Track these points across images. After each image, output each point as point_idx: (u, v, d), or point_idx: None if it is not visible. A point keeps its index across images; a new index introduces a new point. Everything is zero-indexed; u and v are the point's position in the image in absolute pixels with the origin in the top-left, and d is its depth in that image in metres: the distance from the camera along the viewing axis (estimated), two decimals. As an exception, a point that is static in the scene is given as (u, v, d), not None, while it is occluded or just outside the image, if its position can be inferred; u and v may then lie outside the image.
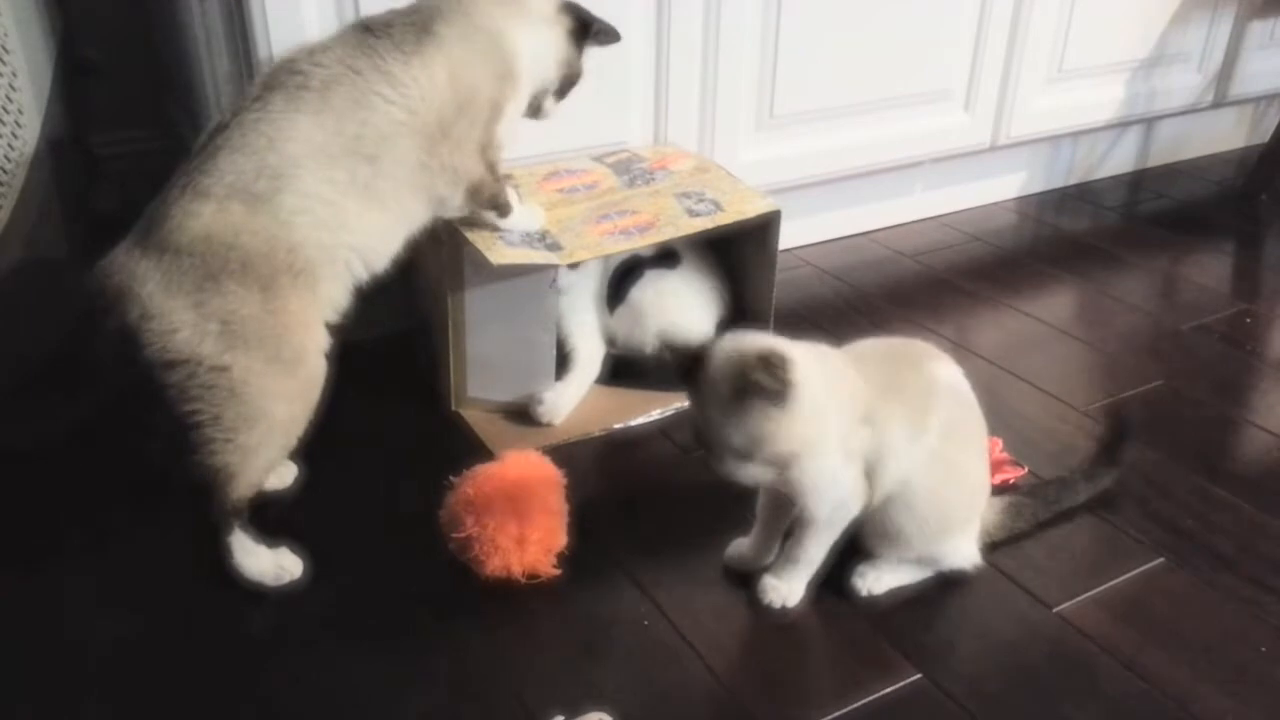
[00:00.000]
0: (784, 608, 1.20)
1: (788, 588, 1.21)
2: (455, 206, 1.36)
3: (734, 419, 1.07)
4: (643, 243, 1.48)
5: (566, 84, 1.44)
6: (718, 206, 1.53)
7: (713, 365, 1.09)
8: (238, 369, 1.15)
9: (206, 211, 1.14)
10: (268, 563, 1.23)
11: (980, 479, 1.26)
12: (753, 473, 1.11)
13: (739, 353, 1.08)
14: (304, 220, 1.18)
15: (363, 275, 1.27)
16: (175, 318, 1.13)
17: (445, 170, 1.31)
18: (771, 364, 1.05)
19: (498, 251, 1.38)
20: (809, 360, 1.10)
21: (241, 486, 1.20)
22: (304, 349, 1.21)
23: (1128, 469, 1.47)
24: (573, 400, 1.56)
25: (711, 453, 1.11)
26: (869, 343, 1.24)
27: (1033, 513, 1.33)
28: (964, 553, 1.25)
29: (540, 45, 1.39)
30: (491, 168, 1.37)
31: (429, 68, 1.26)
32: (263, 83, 1.22)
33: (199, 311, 1.13)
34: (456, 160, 1.31)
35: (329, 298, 1.24)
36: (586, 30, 1.42)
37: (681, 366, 1.12)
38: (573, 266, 1.51)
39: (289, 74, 1.21)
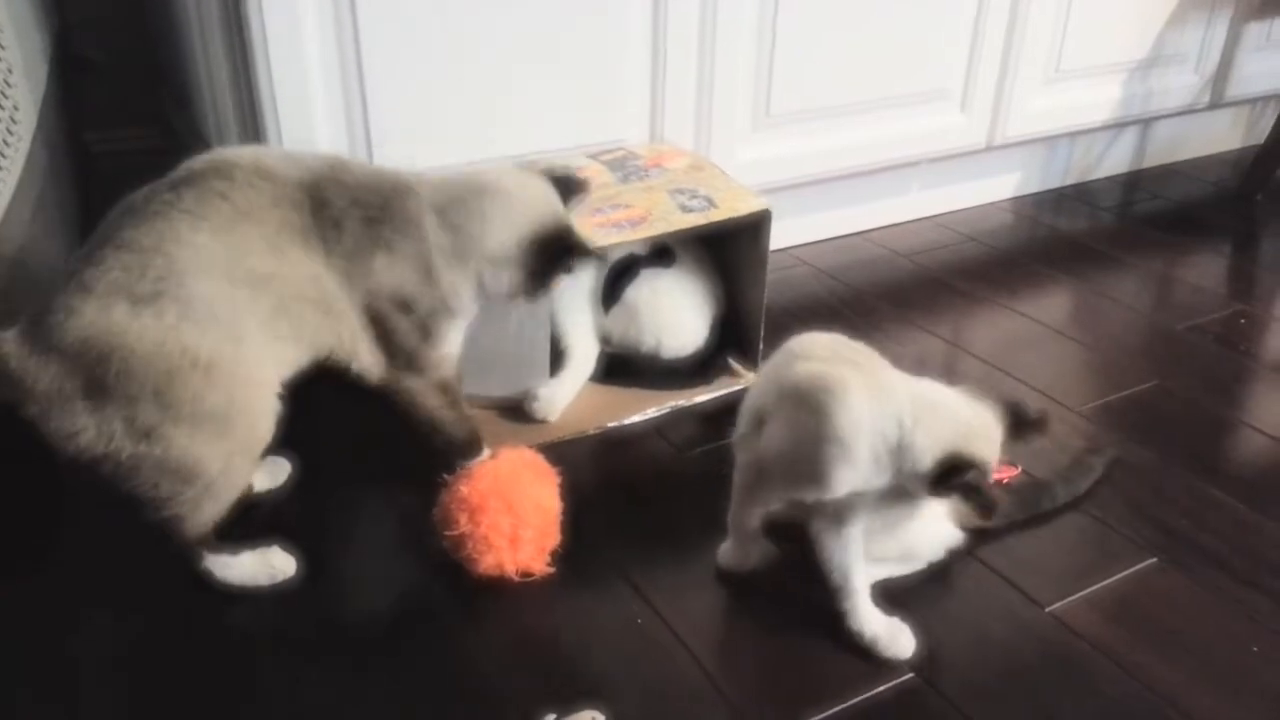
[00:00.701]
0: (902, 656, 1.15)
1: (882, 629, 1.17)
2: (378, 386, 1.27)
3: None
4: (634, 237, 1.48)
5: (547, 279, 1.30)
6: (711, 203, 1.53)
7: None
8: (159, 450, 1.09)
9: (88, 311, 1.05)
10: (254, 567, 1.22)
11: None
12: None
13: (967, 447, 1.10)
14: (193, 330, 1.08)
15: (282, 379, 1.18)
16: (75, 420, 1.06)
17: (363, 352, 1.23)
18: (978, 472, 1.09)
19: None
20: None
21: (195, 528, 1.17)
22: (241, 414, 1.14)
23: (1121, 469, 1.47)
24: (567, 396, 1.56)
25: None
26: (826, 338, 1.23)
27: (1007, 512, 1.33)
28: (931, 543, 1.26)
29: (491, 286, 1.27)
30: (444, 390, 1.30)
31: (351, 285, 1.19)
32: (187, 174, 1.13)
33: (98, 415, 1.07)
34: (387, 358, 1.25)
35: (257, 386, 1.15)
36: (543, 279, 1.28)
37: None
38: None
39: (219, 177, 1.12)
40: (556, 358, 1.56)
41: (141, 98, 2.07)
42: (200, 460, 1.12)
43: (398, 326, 1.23)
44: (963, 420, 1.11)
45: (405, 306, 1.22)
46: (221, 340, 1.10)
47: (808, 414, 1.10)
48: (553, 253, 1.26)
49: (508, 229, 1.24)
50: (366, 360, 1.24)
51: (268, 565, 1.23)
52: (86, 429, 1.07)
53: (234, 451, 1.15)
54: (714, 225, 1.52)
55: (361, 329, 1.22)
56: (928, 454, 1.09)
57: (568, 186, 1.32)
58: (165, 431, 1.08)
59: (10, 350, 1.05)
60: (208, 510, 1.16)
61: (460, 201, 1.23)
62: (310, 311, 1.17)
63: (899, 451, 1.09)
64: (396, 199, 1.20)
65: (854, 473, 1.10)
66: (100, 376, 1.05)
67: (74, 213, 1.74)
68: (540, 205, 1.27)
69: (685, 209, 1.52)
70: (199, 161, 1.15)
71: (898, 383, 1.14)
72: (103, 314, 1.05)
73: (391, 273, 1.20)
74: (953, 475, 1.09)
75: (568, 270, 1.29)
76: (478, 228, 1.23)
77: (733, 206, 1.54)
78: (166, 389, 1.07)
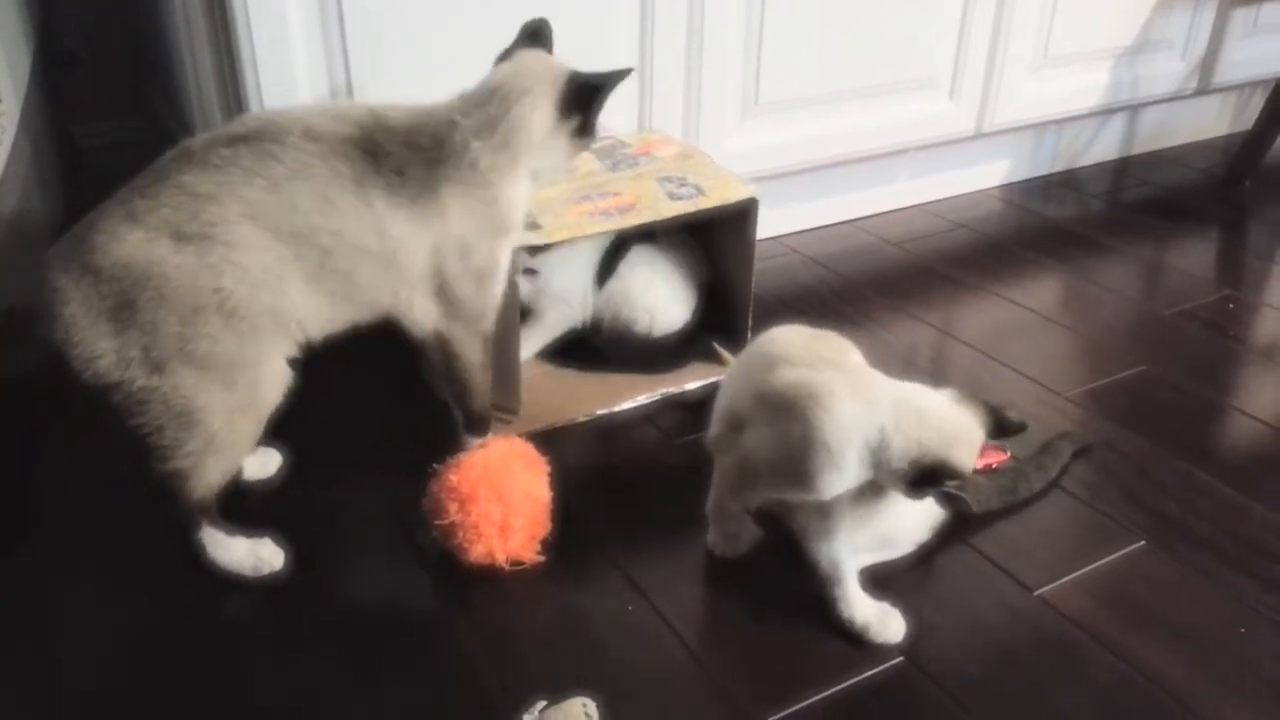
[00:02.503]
0: (893, 641, 1.16)
1: (872, 614, 1.17)
2: (420, 338, 1.30)
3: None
4: (622, 224, 1.48)
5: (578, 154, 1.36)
6: (699, 191, 1.53)
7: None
8: (166, 387, 1.12)
9: (133, 238, 1.09)
10: (243, 554, 1.23)
11: None
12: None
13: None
14: (233, 272, 1.12)
15: (303, 340, 1.20)
16: (97, 345, 1.10)
17: (418, 303, 1.26)
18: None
19: None
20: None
21: (198, 489, 1.18)
22: (247, 369, 1.16)
23: (1110, 452, 1.48)
24: (529, 351, 1.59)
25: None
26: (793, 330, 1.25)
27: (985, 498, 1.33)
28: (910, 527, 1.26)
29: (540, 169, 1.30)
30: (479, 338, 1.32)
31: (418, 230, 1.21)
32: (244, 131, 1.16)
33: (119, 339, 1.10)
34: (439, 309, 1.27)
35: (272, 343, 1.17)
36: (591, 112, 1.29)
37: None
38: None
39: (272, 138, 1.15)
40: (524, 316, 1.58)
41: (128, 91, 2.06)
42: (205, 409, 1.14)
43: (456, 271, 1.25)
44: (943, 426, 1.12)
45: (466, 251, 1.25)
46: (256, 290, 1.13)
47: (794, 421, 1.11)
48: (587, 94, 1.27)
49: (544, 103, 1.25)
50: (420, 311, 1.27)
51: (255, 556, 1.23)
52: (106, 353, 1.10)
53: (237, 408, 1.17)
54: (702, 213, 1.52)
55: (421, 279, 1.24)
56: (905, 456, 1.10)
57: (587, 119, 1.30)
58: (176, 368, 1.11)
59: (48, 275, 1.10)
60: (211, 469, 1.18)
61: (492, 117, 1.24)
62: (367, 266, 1.19)
63: (878, 453, 1.11)
64: (445, 135, 1.22)
65: (842, 478, 1.12)
66: (131, 301, 1.09)
67: (59, 205, 1.73)
68: (554, 65, 1.28)
69: (674, 196, 1.52)
70: (252, 120, 1.19)
71: (880, 386, 1.15)
72: (146, 244, 1.10)
73: (457, 212, 1.23)
74: (929, 481, 1.10)
75: (606, 98, 1.28)
76: (519, 124, 1.24)
77: (721, 194, 1.54)
78: (188, 323, 1.11)
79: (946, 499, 1.12)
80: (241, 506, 1.30)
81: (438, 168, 1.21)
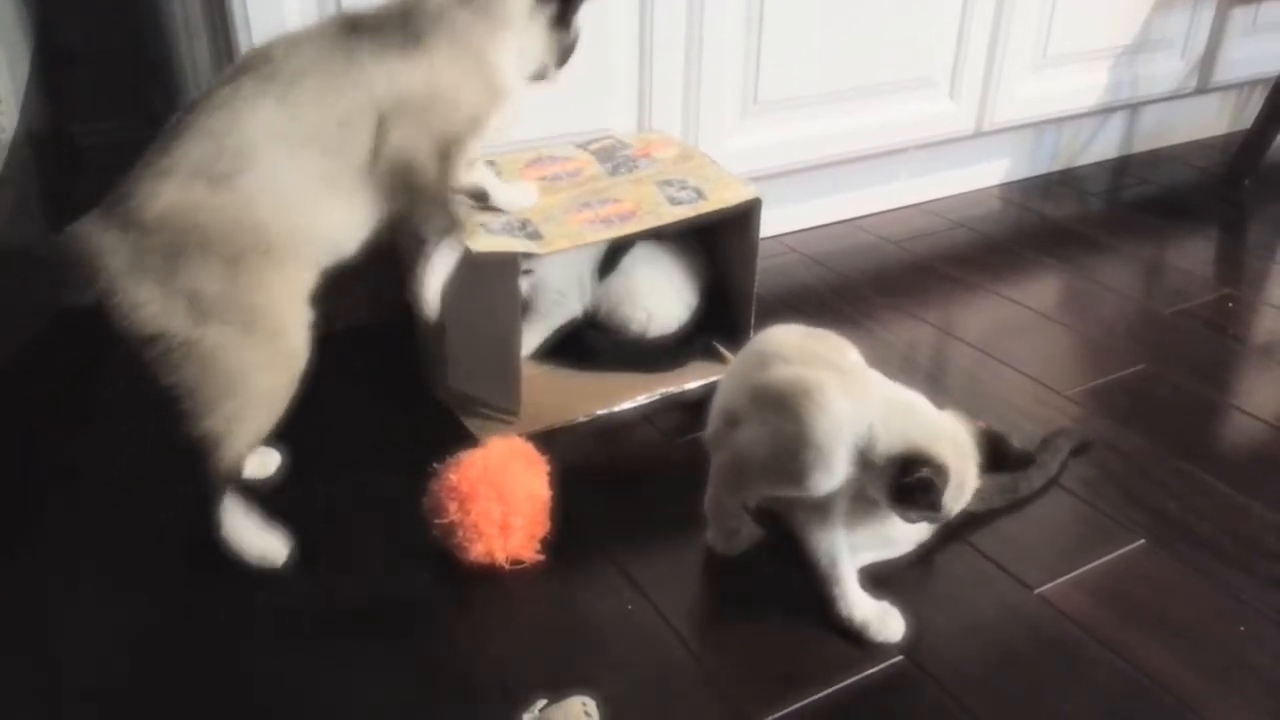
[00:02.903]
0: (892, 640, 1.15)
1: (871, 613, 1.17)
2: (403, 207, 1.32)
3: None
4: (623, 231, 1.48)
5: (564, 56, 1.43)
6: (700, 194, 1.53)
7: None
8: (208, 342, 1.16)
9: (168, 190, 1.14)
10: (253, 540, 1.24)
11: None
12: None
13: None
14: (267, 202, 1.18)
15: (330, 260, 1.27)
16: (142, 293, 1.13)
17: (393, 161, 1.27)
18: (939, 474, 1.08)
19: (479, 239, 1.38)
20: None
21: (228, 455, 1.20)
22: (281, 321, 1.21)
23: (1110, 451, 1.48)
24: (529, 347, 1.60)
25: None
26: (793, 329, 1.24)
27: (988, 497, 1.33)
28: (909, 529, 1.26)
29: (525, 47, 1.36)
30: (439, 177, 1.32)
31: (410, 73, 1.25)
32: (235, 66, 1.22)
33: (165, 288, 1.14)
34: (408, 155, 1.28)
35: (301, 277, 1.23)
36: (568, 5, 1.37)
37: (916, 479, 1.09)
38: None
39: (263, 61, 1.21)
40: (523, 310, 1.58)
41: (127, 90, 2.06)
42: (242, 367, 1.18)
43: (441, 120, 1.29)
44: (930, 424, 1.12)
45: (452, 99, 1.29)
46: (291, 215, 1.19)
47: (786, 419, 1.11)
48: None
49: None
50: (422, 159, 1.29)
51: (261, 546, 1.24)
52: (150, 302, 1.14)
53: (273, 367, 1.21)
54: (702, 217, 1.52)
55: (414, 132, 1.27)
56: (888, 452, 1.09)
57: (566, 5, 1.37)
58: (218, 322, 1.16)
59: (87, 233, 1.13)
60: (243, 433, 1.21)
61: None
62: (368, 134, 1.24)
63: (867, 451, 1.10)
64: (423, 4, 1.28)
65: (832, 475, 1.11)
66: (178, 251, 1.14)
67: (58, 204, 1.73)
68: None
69: (674, 200, 1.52)
70: (240, 59, 1.24)
71: (873, 384, 1.15)
72: (183, 192, 1.14)
73: (442, 59, 1.27)
74: (908, 473, 1.09)
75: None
76: None
77: (721, 197, 1.54)
78: (232, 271, 1.16)
79: (922, 490, 1.08)
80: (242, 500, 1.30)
81: (419, 27, 1.27)
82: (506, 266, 1.40)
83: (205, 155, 1.15)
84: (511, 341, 1.46)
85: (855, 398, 1.11)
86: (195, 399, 1.17)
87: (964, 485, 1.11)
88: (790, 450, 1.11)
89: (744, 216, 1.58)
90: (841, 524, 1.18)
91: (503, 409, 1.49)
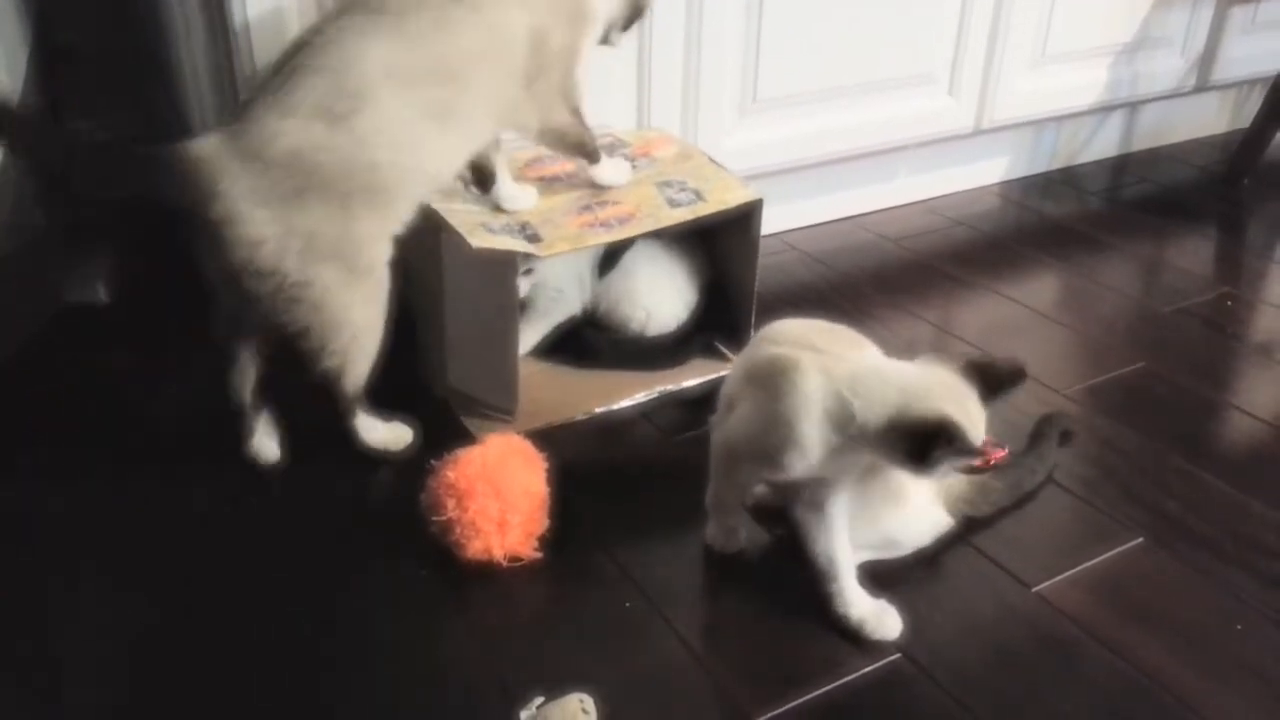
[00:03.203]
0: (889, 638, 1.15)
1: (869, 611, 1.17)
2: (533, 137, 1.44)
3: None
4: (623, 235, 1.48)
5: (633, 16, 1.49)
6: (699, 196, 1.53)
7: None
8: (319, 284, 1.22)
9: (292, 129, 1.17)
10: (386, 434, 1.40)
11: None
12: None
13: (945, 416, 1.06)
14: (381, 141, 1.21)
15: (432, 192, 1.34)
16: (263, 229, 1.18)
17: (523, 105, 1.36)
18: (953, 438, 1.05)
19: (478, 236, 1.38)
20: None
21: (350, 383, 1.32)
22: (374, 260, 1.28)
23: (1109, 449, 1.48)
24: (528, 344, 1.61)
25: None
26: (797, 323, 1.23)
27: (997, 496, 1.33)
28: (914, 532, 1.26)
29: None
30: (575, 112, 1.43)
31: (517, 14, 1.31)
32: (341, 4, 1.25)
33: (284, 226, 1.18)
34: (537, 101, 1.37)
35: (399, 214, 1.28)
36: None
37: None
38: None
39: None
40: (522, 308, 1.59)
41: (124, 85, 2.05)
42: (348, 306, 1.26)
43: (548, 57, 1.36)
44: (905, 383, 1.08)
45: (550, 35, 1.35)
46: (402, 154, 1.24)
47: (766, 396, 1.11)
48: None
49: None
50: (524, 112, 1.39)
51: (395, 434, 1.40)
52: (269, 240, 1.18)
53: (370, 302, 1.29)
54: (701, 220, 1.52)
55: (522, 72, 1.34)
56: (872, 420, 1.06)
57: None
58: (330, 263, 1.22)
59: (209, 155, 1.16)
60: (357, 363, 1.31)
61: None
62: (485, 74, 1.30)
63: (842, 424, 1.08)
64: None
65: (804, 454, 1.10)
66: (300, 191, 1.18)
67: (56, 203, 1.73)
68: None
69: (673, 202, 1.52)
70: None
71: (847, 359, 1.12)
72: (306, 132, 1.18)
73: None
74: (922, 442, 1.05)
75: None
76: None
77: (721, 198, 1.54)
78: (345, 213, 1.22)
79: (949, 453, 1.05)
80: (240, 490, 1.30)
81: None
82: (505, 266, 1.40)
83: (326, 94, 1.18)
84: (509, 341, 1.46)
85: (825, 372, 1.10)
86: (308, 340, 1.26)
87: (972, 419, 1.07)
88: (766, 427, 1.11)
89: (745, 216, 1.57)
90: (842, 521, 1.18)
91: (500, 408, 1.49)
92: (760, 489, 1.30)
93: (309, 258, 1.20)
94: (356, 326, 1.29)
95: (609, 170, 1.54)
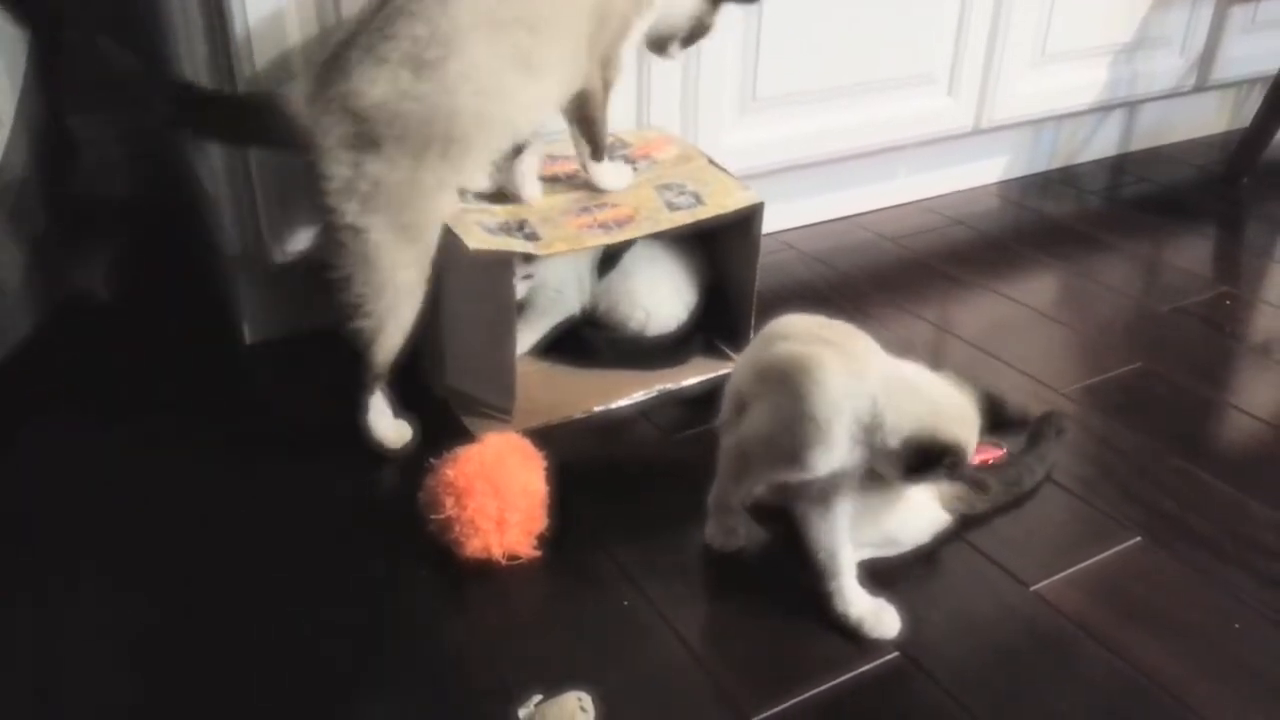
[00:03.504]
0: (888, 636, 1.15)
1: (867, 610, 1.17)
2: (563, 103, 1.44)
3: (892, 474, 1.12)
4: (621, 237, 1.48)
5: (695, 34, 1.51)
6: (698, 200, 1.53)
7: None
8: (373, 234, 1.26)
9: (382, 78, 1.21)
10: (391, 428, 1.41)
11: None
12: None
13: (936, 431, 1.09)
14: (467, 89, 1.24)
15: (508, 146, 1.35)
16: (335, 170, 1.23)
17: (582, 66, 1.39)
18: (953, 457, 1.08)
19: (475, 237, 1.38)
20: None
21: (379, 352, 1.35)
22: (428, 219, 1.31)
23: (1107, 448, 1.48)
24: (527, 344, 1.62)
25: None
26: (804, 319, 1.23)
27: (995, 494, 1.33)
28: (913, 530, 1.26)
29: None
30: (607, 86, 1.44)
31: None
32: None
33: (354, 171, 1.23)
34: (590, 58, 1.39)
35: (471, 166, 1.31)
36: None
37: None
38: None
39: None
40: (521, 307, 1.60)
41: (125, 83, 2.05)
42: (393, 263, 1.29)
43: (610, 30, 1.39)
44: (935, 401, 1.11)
45: (612, 10, 1.38)
46: (484, 101, 1.27)
47: (785, 395, 1.11)
48: None
49: None
50: (584, 76, 1.41)
51: (398, 432, 1.41)
52: (337, 178, 1.24)
53: (415, 264, 1.32)
54: (701, 224, 1.52)
55: (586, 38, 1.37)
56: (896, 433, 1.09)
57: None
58: (384, 214, 1.26)
59: (300, 107, 1.23)
60: (390, 332, 1.35)
61: None
62: (568, 28, 1.34)
63: (870, 430, 1.09)
64: None
65: (830, 453, 1.10)
66: (376, 139, 1.23)
67: (55, 198, 1.73)
68: None
69: (672, 206, 1.52)
70: None
71: (874, 361, 1.14)
72: (394, 81, 1.22)
73: None
74: (926, 460, 1.09)
75: None
76: None
77: (720, 202, 1.54)
78: (417, 159, 1.25)
79: (952, 476, 1.10)
80: (239, 487, 1.30)
81: None
82: (501, 266, 1.40)
83: (418, 41, 1.21)
84: (505, 341, 1.46)
85: (855, 374, 1.10)
86: (351, 292, 1.29)
87: (972, 446, 1.12)
88: (789, 426, 1.10)
89: (746, 218, 1.57)
90: (844, 518, 1.18)
91: (497, 407, 1.49)
92: (759, 488, 1.30)
93: (370, 204, 1.25)
94: (398, 290, 1.31)
95: (610, 174, 1.54)
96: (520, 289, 1.54)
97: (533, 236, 1.42)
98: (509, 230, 1.42)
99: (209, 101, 1.36)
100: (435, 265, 1.36)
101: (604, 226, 1.47)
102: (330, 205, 1.25)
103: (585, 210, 1.50)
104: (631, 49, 1.47)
